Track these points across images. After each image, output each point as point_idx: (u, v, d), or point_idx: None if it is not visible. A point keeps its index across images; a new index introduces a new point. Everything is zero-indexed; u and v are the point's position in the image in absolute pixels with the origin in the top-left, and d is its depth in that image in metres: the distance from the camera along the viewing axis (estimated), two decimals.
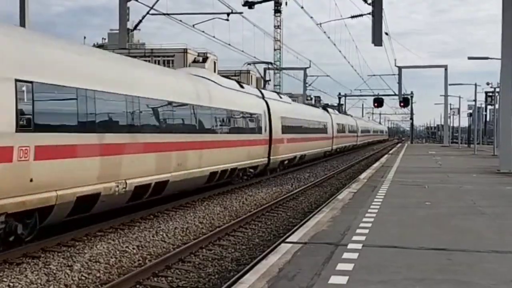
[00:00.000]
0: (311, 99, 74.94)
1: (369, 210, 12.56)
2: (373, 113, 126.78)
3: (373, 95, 66.20)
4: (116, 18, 23.97)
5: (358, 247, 8.72)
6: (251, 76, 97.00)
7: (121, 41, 22.20)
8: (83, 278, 9.19)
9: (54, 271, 9.35)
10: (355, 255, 8.13)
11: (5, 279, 8.79)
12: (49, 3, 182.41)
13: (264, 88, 36.35)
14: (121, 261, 10.32)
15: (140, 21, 25.22)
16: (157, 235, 12.54)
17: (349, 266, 7.50)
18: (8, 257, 9.85)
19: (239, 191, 20.87)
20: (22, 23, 19.67)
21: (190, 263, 10.37)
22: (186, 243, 11.93)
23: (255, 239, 12.86)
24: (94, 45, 67.70)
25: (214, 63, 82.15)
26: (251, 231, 13.70)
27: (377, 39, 21.92)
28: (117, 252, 10.84)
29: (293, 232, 10.97)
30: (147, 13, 24.44)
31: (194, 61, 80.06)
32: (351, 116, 69.09)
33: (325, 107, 50.69)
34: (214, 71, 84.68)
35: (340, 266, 7.51)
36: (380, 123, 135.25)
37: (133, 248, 11.19)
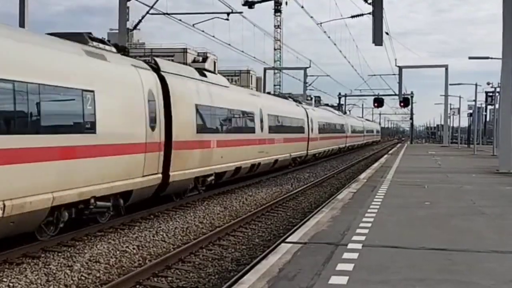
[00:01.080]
0: (311, 99, 74.73)
1: (369, 210, 12.56)
2: (373, 114, 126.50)
3: (373, 95, 66.21)
4: (115, 18, 23.97)
5: (358, 247, 8.73)
6: (251, 76, 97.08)
7: (121, 41, 22.20)
8: (83, 278, 9.19)
9: (54, 271, 9.35)
10: (355, 255, 8.14)
11: (5, 279, 8.79)
12: (48, 3, 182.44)
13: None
14: (121, 261, 10.32)
15: (140, 21, 25.24)
16: (157, 235, 12.54)
17: (349, 266, 7.50)
18: (8, 257, 9.85)
19: (239, 191, 20.87)
20: (22, 23, 19.67)
21: (190, 263, 10.37)
22: (186, 243, 11.93)
23: (255, 239, 12.86)
24: None
25: (214, 63, 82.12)
26: (251, 231, 13.70)
27: (377, 39, 21.93)
28: (117, 252, 10.83)
29: (293, 232, 10.98)
30: (147, 12, 24.46)
31: (194, 61, 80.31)
32: (299, 102, 37.31)
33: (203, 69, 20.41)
34: (214, 70, 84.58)
35: (340, 266, 7.51)
36: (367, 119, 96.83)
37: (133, 248, 11.19)
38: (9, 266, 9.56)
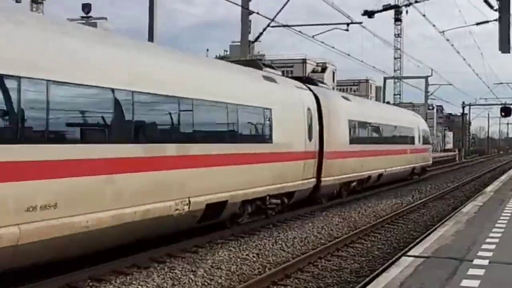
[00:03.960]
0: (433, 108, 72.44)
1: (497, 225, 12.00)
2: (500, 123, 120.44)
3: (500, 104, 63.14)
4: (235, 31, 24.68)
5: (485, 263, 8.37)
6: (370, 85, 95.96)
7: (243, 53, 22.80)
8: (205, 283, 9.46)
9: (179, 276, 9.71)
10: (481, 272, 7.81)
11: (134, 282, 9.24)
12: (175, 18, 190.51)
13: None
14: (241, 268, 10.54)
15: (261, 33, 25.76)
16: (276, 244, 12.68)
17: (475, 283, 7.22)
18: (136, 261, 10.36)
19: (357, 202, 20.65)
20: (151, 38, 20.69)
21: (309, 273, 10.40)
22: (304, 253, 11.97)
23: (375, 251, 12.66)
24: (216, 57, 69.74)
25: (333, 72, 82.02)
26: (371, 243, 13.51)
27: (504, 46, 20.94)
28: (238, 259, 11.07)
29: (414, 245, 10.72)
30: (268, 25, 24.93)
31: (313, 71, 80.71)
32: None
33: None
34: (333, 80, 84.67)
35: (465, 283, 7.24)
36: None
37: (253, 256, 11.39)
38: (137, 269, 10.04)
